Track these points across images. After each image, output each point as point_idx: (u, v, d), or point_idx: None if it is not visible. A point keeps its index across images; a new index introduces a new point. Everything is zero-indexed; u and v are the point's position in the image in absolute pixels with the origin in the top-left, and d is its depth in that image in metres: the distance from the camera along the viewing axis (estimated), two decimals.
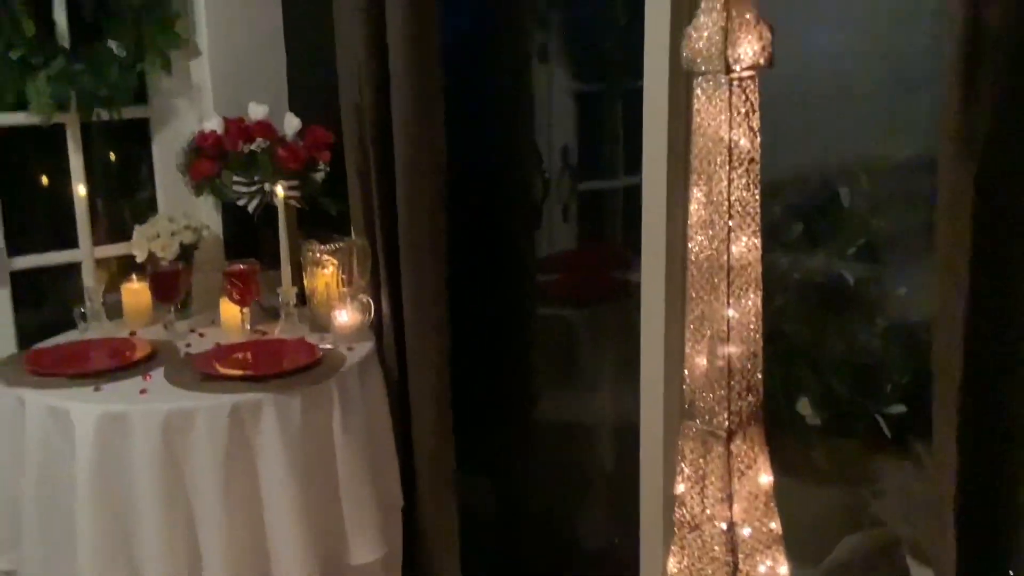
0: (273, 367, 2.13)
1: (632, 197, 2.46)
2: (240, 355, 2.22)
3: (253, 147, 2.42)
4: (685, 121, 1.83)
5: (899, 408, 1.93)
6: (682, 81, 1.85)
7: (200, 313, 2.56)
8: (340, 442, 2.13)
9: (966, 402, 1.41)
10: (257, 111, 2.51)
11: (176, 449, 1.97)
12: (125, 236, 2.58)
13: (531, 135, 2.76)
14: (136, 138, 2.68)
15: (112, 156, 2.78)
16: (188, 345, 2.33)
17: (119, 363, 2.16)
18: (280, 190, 2.35)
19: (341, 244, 2.44)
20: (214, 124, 2.50)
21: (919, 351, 1.91)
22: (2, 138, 2.40)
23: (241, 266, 2.37)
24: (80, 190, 2.41)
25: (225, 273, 2.37)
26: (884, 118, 2.13)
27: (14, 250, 2.45)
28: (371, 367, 2.29)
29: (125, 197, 2.82)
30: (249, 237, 2.59)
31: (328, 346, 2.29)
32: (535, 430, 2.78)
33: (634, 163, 2.61)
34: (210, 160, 2.47)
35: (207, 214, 2.67)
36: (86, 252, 2.49)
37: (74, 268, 2.57)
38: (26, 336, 2.48)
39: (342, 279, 2.43)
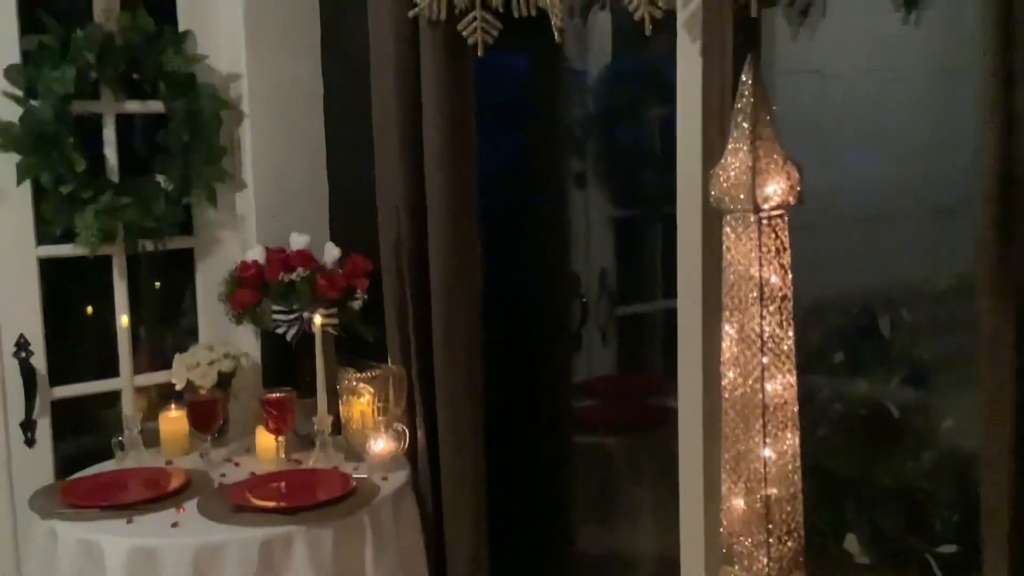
0: (306, 498, 2.11)
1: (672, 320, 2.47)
2: (274, 485, 2.21)
3: (293, 276, 2.46)
4: (718, 256, 1.82)
5: (950, 548, 1.85)
6: (716, 215, 1.86)
7: (237, 441, 2.57)
8: (372, 574, 2.09)
9: (1016, 547, 1.35)
10: (298, 241, 2.56)
11: None
12: (166, 364, 2.62)
13: (568, 259, 2.78)
14: (180, 267, 2.74)
15: (156, 285, 2.85)
16: (223, 475, 2.33)
17: (153, 494, 2.15)
18: (318, 318, 2.37)
19: (377, 372, 2.44)
20: (256, 254, 2.55)
21: (969, 486, 1.85)
22: (49, 268, 2.46)
23: (278, 394, 2.37)
24: (123, 320, 2.45)
25: (262, 401, 2.37)
26: (925, 244, 2.11)
27: (56, 379, 2.48)
28: (405, 497, 2.26)
29: (167, 325, 2.87)
30: (287, 364, 2.61)
31: (362, 475, 2.26)
32: (572, 562, 2.71)
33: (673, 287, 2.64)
34: (251, 289, 2.51)
35: (247, 341, 2.69)
36: (126, 381, 2.51)
37: (114, 396, 2.59)
38: (66, 464, 2.49)
39: (378, 407, 2.43)
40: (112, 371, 2.55)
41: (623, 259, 2.74)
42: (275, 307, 2.48)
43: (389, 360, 2.50)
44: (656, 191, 2.53)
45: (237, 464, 2.42)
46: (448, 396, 2.26)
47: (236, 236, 2.72)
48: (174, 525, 2.01)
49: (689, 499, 1.92)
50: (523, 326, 2.76)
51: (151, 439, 2.47)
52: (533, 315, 2.78)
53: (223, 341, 2.62)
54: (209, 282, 2.67)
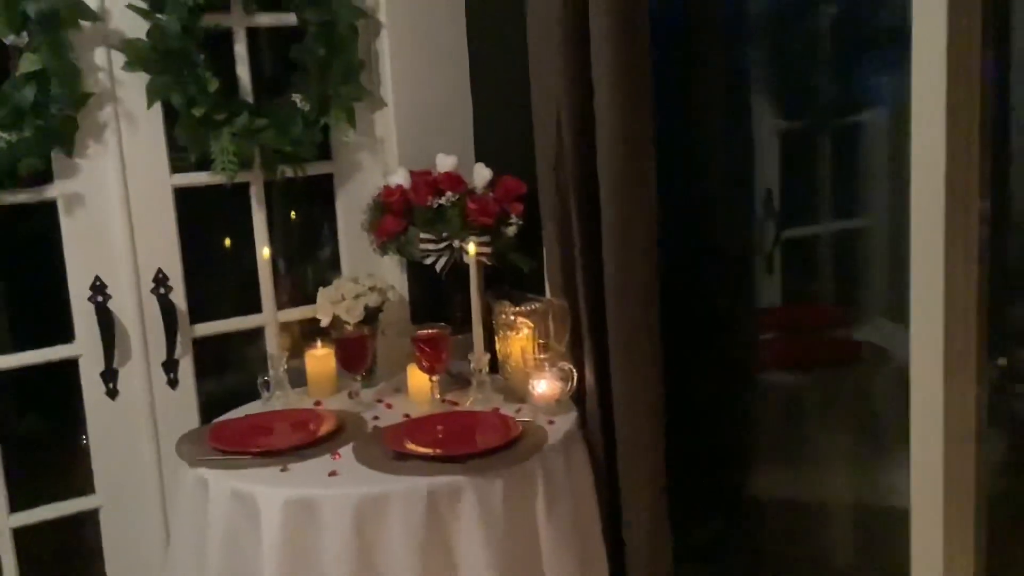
0: (469, 445, 1.91)
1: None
2: (433, 429, 2.01)
3: (442, 201, 2.24)
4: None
5: None
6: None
7: (386, 380, 2.39)
8: (545, 530, 1.89)
9: None
10: (445, 163, 2.33)
11: (368, 537, 1.76)
12: (307, 299, 2.45)
13: (742, 177, 2.47)
14: (318, 196, 2.55)
15: (293, 215, 2.67)
16: (376, 418, 2.15)
17: (305, 439, 1.98)
18: (472, 247, 2.15)
19: (536, 305, 2.21)
20: (400, 178, 2.33)
21: None
22: (184, 199, 2.29)
23: (430, 331, 2.17)
24: (264, 252, 2.28)
25: (414, 339, 2.17)
26: None
27: (197, 316, 2.33)
28: (575, 444, 2.04)
29: (306, 257, 2.70)
30: (436, 298, 2.40)
31: (526, 419, 2.05)
32: (758, 513, 2.45)
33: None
34: (396, 217, 2.30)
35: (392, 274, 2.49)
36: (269, 317, 2.36)
37: (256, 334, 2.44)
38: (209, 406, 2.35)
39: (538, 344, 2.20)
40: (254, 307, 2.40)
41: (798, 176, 2.42)
42: (423, 235, 2.26)
43: (548, 292, 2.27)
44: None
45: (389, 406, 2.24)
46: (621, 333, 2.02)
47: (376, 160, 2.50)
48: (331, 474, 1.83)
49: (925, 442, 1.64)
50: (694, 253, 2.48)
51: (297, 379, 2.31)
52: (704, 238, 2.49)
53: (368, 274, 2.43)
54: (350, 210, 2.48)
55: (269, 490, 1.79)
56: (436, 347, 2.16)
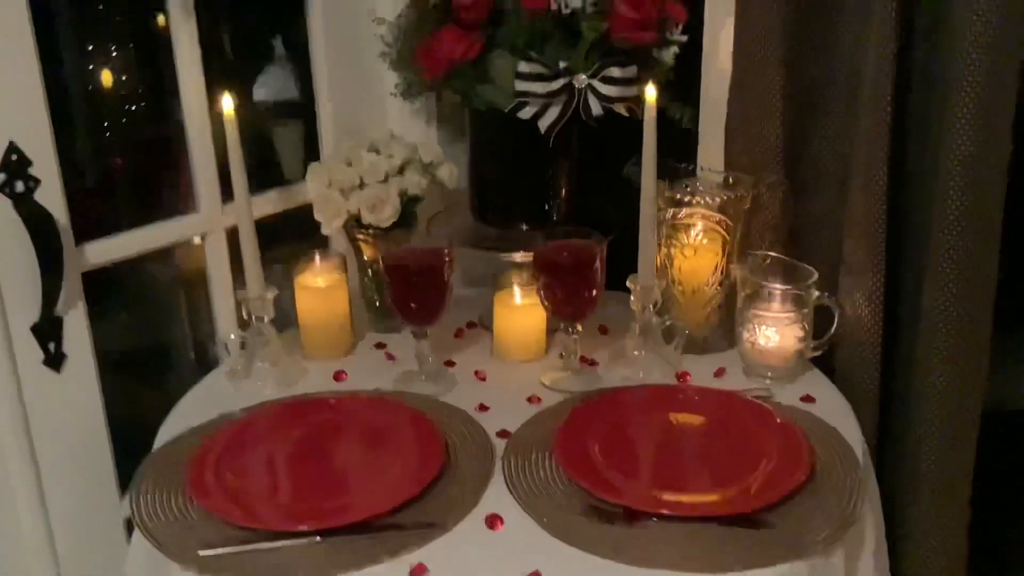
0: (757, 483, 1.02)
1: None
2: (645, 440, 1.11)
3: (576, 1, 1.21)
4: None
5: None
6: None
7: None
8: None
9: None
10: None
11: None
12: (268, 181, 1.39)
13: None
14: None
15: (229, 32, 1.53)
16: (484, 408, 1.19)
17: (403, 489, 1.00)
18: (651, 90, 1.16)
19: (737, 191, 1.29)
20: None
21: None
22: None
23: (575, 240, 1.21)
24: (193, 94, 1.18)
25: (541, 255, 1.21)
26: None
27: (85, 230, 1.21)
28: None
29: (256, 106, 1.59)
30: (507, 183, 1.41)
31: (762, 393, 1.18)
32: None
33: None
34: (466, 31, 1.25)
35: (409, 137, 1.45)
36: (212, 218, 1.28)
37: (187, 255, 1.37)
38: (122, 400, 1.28)
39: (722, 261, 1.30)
40: (177, 205, 1.32)
41: None
42: (524, 65, 1.24)
43: (725, 163, 1.35)
44: None
45: (483, 377, 1.27)
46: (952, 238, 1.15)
47: None
48: None
49: None
50: None
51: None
52: None
53: (387, 134, 1.39)
54: (336, 24, 1.39)
55: None
56: (584, 272, 1.20)
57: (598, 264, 1.19)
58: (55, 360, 1.20)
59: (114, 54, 1.43)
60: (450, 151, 1.41)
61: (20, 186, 1.12)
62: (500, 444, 1.10)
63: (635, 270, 1.23)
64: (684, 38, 1.30)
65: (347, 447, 1.11)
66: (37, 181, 1.13)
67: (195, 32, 1.25)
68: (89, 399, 1.25)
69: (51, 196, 1.15)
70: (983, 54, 1.08)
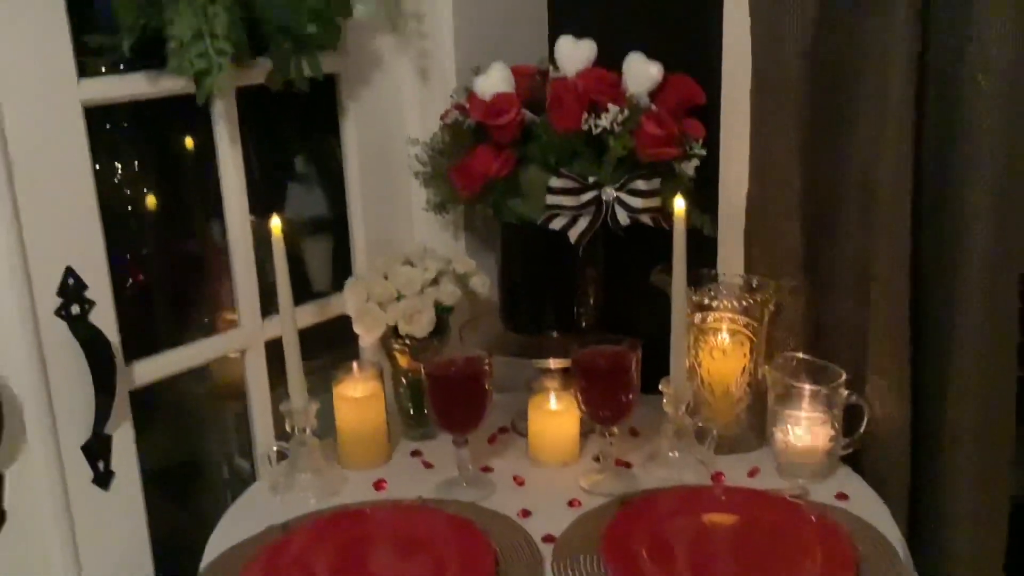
0: None
1: None
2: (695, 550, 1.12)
3: (603, 122, 1.27)
4: None
5: None
6: None
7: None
8: None
9: None
10: (575, 53, 1.35)
11: None
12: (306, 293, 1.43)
13: None
14: (304, 114, 1.50)
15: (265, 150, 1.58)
16: (526, 513, 1.20)
17: None
18: (680, 203, 1.22)
19: (758, 289, 1.34)
20: (497, 79, 1.34)
21: None
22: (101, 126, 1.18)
23: (612, 347, 1.25)
24: (238, 216, 1.23)
25: (579, 361, 1.24)
26: None
27: (134, 347, 1.25)
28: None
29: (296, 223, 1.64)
30: (536, 292, 1.45)
31: (797, 493, 1.20)
32: None
33: None
34: (499, 149, 1.31)
35: (442, 250, 1.50)
36: (253, 333, 1.32)
37: (225, 368, 1.40)
38: (163, 512, 1.29)
39: (750, 363, 1.34)
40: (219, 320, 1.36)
41: None
42: (555, 181, 1.30)
43: (745, 267, 1.40)
44: None
45: (520, 482, 1.29)
46: (973, 336, 1.20)
47: (408, 51, 1.48)
48: None
49: None
50: None
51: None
52: None
53: (423, 248, 1.44)
54: (369, 140, 1.46)
55: None
56: (621, 377, 1.24)
57: (634, 369, 1.23)
58: (103, 479, 1.22)
59: (156, 175, 1.49)
60: (477, 260, 1.46)
61: (76, 309, 1.16)
62: (546, 548, 1.13)
63: (660, 373, 1.27)
64: (703, 152, 1.37)
65: (400, 559, 1.12)
66: (92, 303, 1.17)
67: (240, 160, 1.31)
68: (134, 516, 1.26)
69: (104, 317, 1.19)
70: (998, 151, 1.15)
